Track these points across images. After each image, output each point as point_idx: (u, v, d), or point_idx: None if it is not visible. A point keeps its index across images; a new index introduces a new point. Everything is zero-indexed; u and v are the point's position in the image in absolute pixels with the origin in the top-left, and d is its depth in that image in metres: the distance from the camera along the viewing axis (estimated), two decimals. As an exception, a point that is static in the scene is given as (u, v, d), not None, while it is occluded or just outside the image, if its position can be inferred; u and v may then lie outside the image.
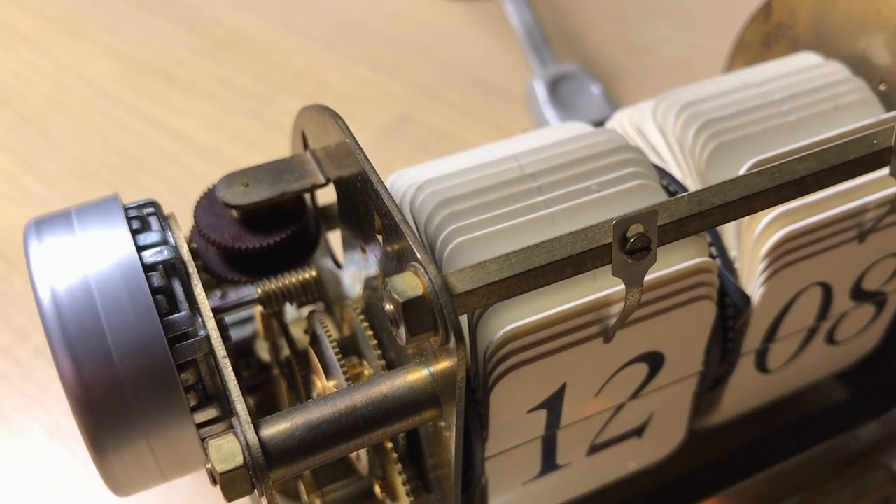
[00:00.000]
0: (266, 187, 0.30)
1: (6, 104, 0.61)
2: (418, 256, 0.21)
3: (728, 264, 0.30)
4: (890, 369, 0.39)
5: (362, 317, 0.28)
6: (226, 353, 0.24)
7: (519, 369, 0.26)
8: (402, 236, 0.22)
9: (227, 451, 0.22)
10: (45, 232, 0.25)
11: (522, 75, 0.60)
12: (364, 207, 0.26)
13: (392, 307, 0.21)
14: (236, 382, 0.24)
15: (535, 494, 0.32)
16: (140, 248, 0.25)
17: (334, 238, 0.33)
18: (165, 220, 0.27)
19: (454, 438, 0.24)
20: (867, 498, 0.37)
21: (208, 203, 0.31)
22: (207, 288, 0.29)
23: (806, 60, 0.34)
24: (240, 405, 0.23)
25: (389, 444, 0.29)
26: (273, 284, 0.30)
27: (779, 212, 0.28)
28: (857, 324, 0.35)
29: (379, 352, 0.28)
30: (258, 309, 0.31)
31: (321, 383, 0.29)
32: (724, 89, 0.32)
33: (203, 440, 0.25)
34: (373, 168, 0.24)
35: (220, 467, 0.22)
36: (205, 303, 0.25)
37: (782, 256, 0.29)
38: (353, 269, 0.29)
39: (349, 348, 0.30)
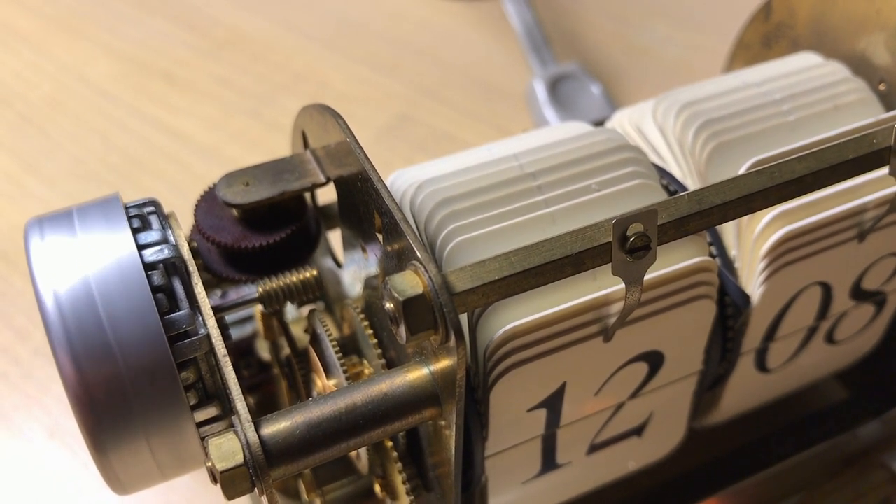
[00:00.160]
0: (266, 186, 0.30)
1: (6, 104, 0.61)
2: (418, 255, 0.22)
3: (728, 263, 0.30)
4: (890, 369, 0.39)
5: (362, 316, 0.28)
6: (226, 352, 0.24)
7: (519, 368, 0.26)
8: (403, 235, 0.22)
9: (228, 449, 0.22)
10: (45, 230, 0.25)
11: (522, 75, 0.60)
12: (364, 206, 0.26)
13: (392, 306, 0.21)
14: (236, 381, 0.24)
15: (535, 493, 0.32)
16: (140, 247, 0.25)
17: (334, 237, 0.33)
18: (166, 219, 0.27)
19: (454, 437, 0.24)
20: (867, 498, 0.37)
21: (208, 202, 0.31)
22: (208, 287, 0.29)
23: (806, 60, 0.34)
24: (240, 404, 0.23)
25: (389, 443, 0.29)
26: (273, 283, 0.30)
27: (778, 211, 0.29)
28: (857, 323, 0.35)
29: (379, 351, 0.28)
30: (258, 308, 0.31)
31: (321, 382, 0.29)
32: (724, 89, 0.32)
33: (203, 439, 0.25)
34: (373, 167, 0.24)
35: (221, 466, 0.22)
36: (205, 301, 0.25)
37: (782, 256, 0.29)
38: (354, 268, 0.29)
39: (349, 347, 0.30)
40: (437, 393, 0.24)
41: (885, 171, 0.26)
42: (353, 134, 0.26)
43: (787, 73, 0.33)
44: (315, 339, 0.30)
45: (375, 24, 0.67)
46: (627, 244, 0.23)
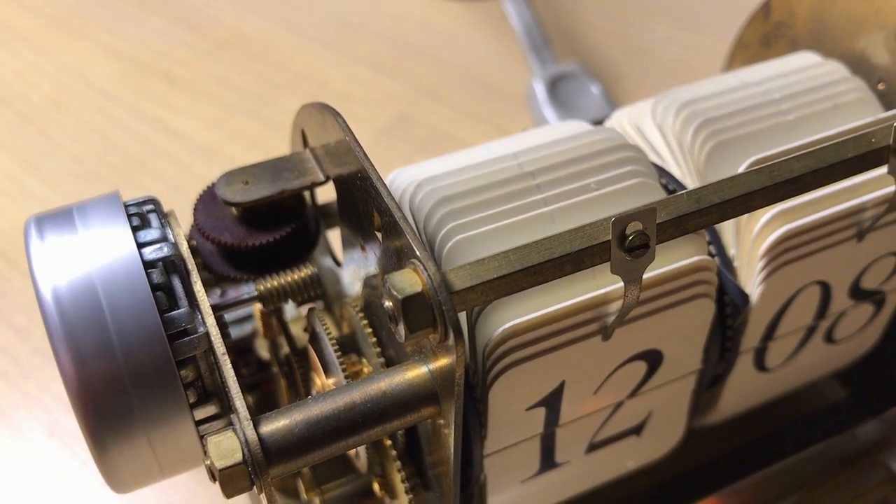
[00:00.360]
0: (266, 185, 0.30)
1: (6, 104, 0.61)
2: (417, 253, 0.22)
3: (727, 262, 0.30)
4: (889, 368, 0.39)
5: (361, 314, 0.28)
6: (225, 350, 0.25)
7: (518, 367, 0.26)
8: (402, 233, 0.22)
9: (227, 447, 0.22)
10: (45, 228, 0.25)
11: (522, 75, 0.60)
12: (363, 205, 0.26)
13: (391, 304, 0.21)
14: (235, 379, 0.24)
15: (534, 492, 0.32)
16: (140, 245, 0.25)
17: (334, 236, 0.33)
18: (165, 218, 0.27)
19: (453, 436, 0.24)
20: (866, 497, 0.37)
21: (208, 201, 0.31)
22: (207, 286, 0.29)
23: (805, 60, 0.34)
24: (239, 402, 0.23)
25: (388, 442, 0.29)
26: (272, 282, 0.30)
27: (777, 210, 0.29)
28: (856, 322, 0.35)
29: (378, 349, 0.28)
30: (257, 306, 0.31)
31: (320, 381, 0.29)
32: (723, 88, 0.32)
33: (202, 437, 0.25)
34: (372, 165, 0.24)
35: (220, 464, 0.22)
36: (204, 300, 0.25)
37: (781, 255, 0.29)
38: (353, 267, 0.29)
39: (348, 346, 0.30)
40: (435, 391, 0.24)
41: (883, 170, 0.26)
42: (352, 132, 0.26)
43: (787, 73, 0.33)
44: (314, 338, 0.30)
45: (375, 24, 0.67)
46: (626, 243, 0.23)
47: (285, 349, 0.33)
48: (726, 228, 0.30)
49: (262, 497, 0.23)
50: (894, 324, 0.37)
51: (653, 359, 0.29)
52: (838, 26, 0.34)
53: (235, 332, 0.36)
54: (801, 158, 0.25)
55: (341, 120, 0.26)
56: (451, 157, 0.30)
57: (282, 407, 0.23)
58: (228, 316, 0.36)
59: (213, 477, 0.22)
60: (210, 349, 0.25)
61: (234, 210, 0.30)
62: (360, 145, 0.25)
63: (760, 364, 0.33)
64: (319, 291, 0.31)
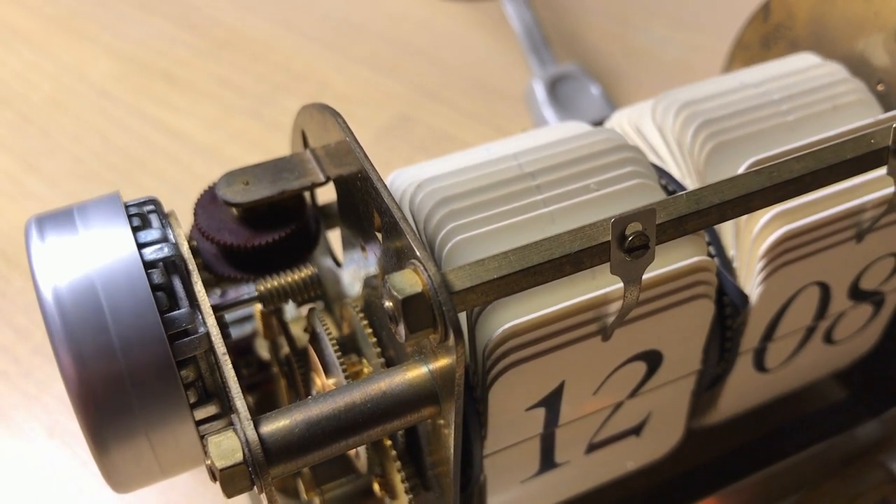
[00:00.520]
0: (266, 185, 0.30)
1: (7, 104, 0.61)
2: (417, 254, 0.22)
3: (726, 263, 0.30)
4: (888, 369, 0.39)
5: (362, 315, 0.29)
6: (226, 350, 0.25)
7: (517, 367, 0.26)
8: (402, 234, 0.22)
9: (227, 447, 0.22)
10: (46, 229, 0.25)
11: (522, 76, 0.60)
12: (364, 205, 0.26)
13: (391, 304, 0.21)
14: (236, 379, 0.24)
15: (534, 492, 0.32)
16: (140, 245, 0.25)
17: (334, 237, 0.33)
18: (165, 218, 0.27)
19: (453, 436, 0.24)
20: (865, 497, 0.37)
21: (208, 201, 0.31)
22: (207, 286, 0.29)
23: (804, 61, 0.34)
24: (239, 402, 0.23)
25: (388, 442, 0.29)
26: (273, 282, 0.30)
27: (777, 211, 0.29)
28: (855, 323, 0.35)
29: (378, 350, 0.28)
30: (258, 307, 0.31)
31: (320, 381, 0.30)
32: (723, 89, 0.32)
33: (203, 437, 0.25)
34: (372, 166, 0.24)
35: (220, 464, 0.22)
36: (205, 300, 0.25)
37: (780, 255, 0.29)
38: (353, 267, 0.29)
39: (349, 346, 0.30)
40: (435, 391, 0.24)
41: (883, 171, 0.26)
42: (352, 133, 0.26)
43: (786, 74, 0.33)
44: (314, 338, 0.30)
45: (375, 24, 0.67)
46: (626, 243, 0.23)
47: (285, 349, 0.33)
48: (726, 229, 0.30)
49: (263, 497, 0.23)
50: (894, 324, 0.37)
51: (652, 359, 0.29)
52: (838, 28, 0.34)
53: (236, 333, 0.36)
54: (800, 159, 0.25)
55: (342, 120, 0.26)
56: (451, 157, 0.30)
57: (282, 407, 0.23)
58: (229, 316, 0.36)
59: (213, 477, 0.22)
60: (210, 349, 0.25)
61: (234, 210, 0.30)
62: (360, 146, 0.25)
63: (760, 364, 0.33)
64: (319, 292, 0.31)
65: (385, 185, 0.24)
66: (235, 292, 0.30)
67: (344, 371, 0.28)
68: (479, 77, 0.62)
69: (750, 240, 0.29)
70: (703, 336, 0.29)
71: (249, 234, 0.30)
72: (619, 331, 0.27)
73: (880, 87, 0.33)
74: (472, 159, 0.29)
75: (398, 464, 0.28)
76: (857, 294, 0.33)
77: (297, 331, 0.33)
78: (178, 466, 0.26)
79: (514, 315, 0.25)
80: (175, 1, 0.69)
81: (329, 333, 0.29)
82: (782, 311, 0.31)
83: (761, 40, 0.38)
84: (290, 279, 0.30)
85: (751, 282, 0.30)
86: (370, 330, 0.28)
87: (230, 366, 0.24)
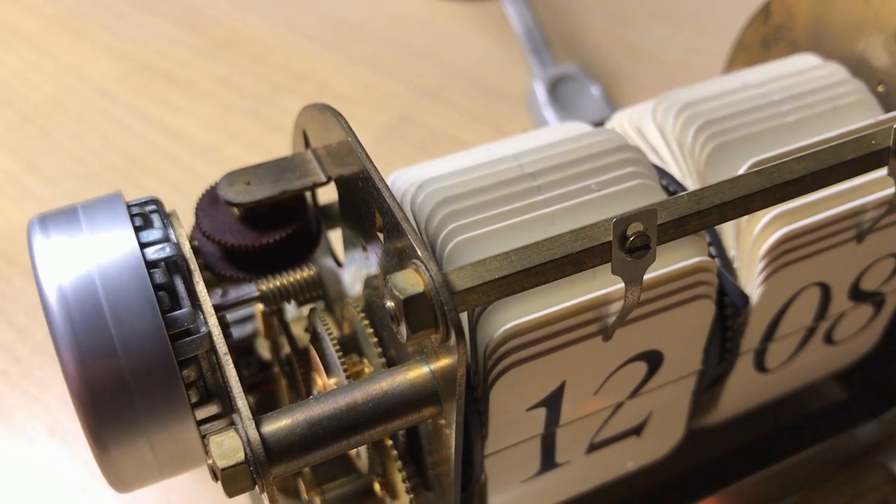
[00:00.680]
0: (267, 186, 0.30)
1: (7, 104, 0.61)
2: (419, 254, 0.22)
3: (727, 264, 0.30)
4: (888, 369, 0.39)
5: (363, 315, 0.29)
6: (227, 350, 0.25)
7: (518, 367, 0.26)
8: (403, 234, 0.22)
9: (229, 446, 0.22)
10: (48, 228, 0.25)
11: (522, 76, 0.60)
12: (365, 205, 0.26)
13: (393, 304, 0.21)
14: (238, 379, 0.24)
15: (534, 492, 0.32)
16: (142, 245, 0.25)
17: (335, 237, 0.33)
18: (167, 218, 0.27)
19: (454, 436, 0.24)
20: (865, 498, 0.37)
21: (210, 201, 0.31)
22: (208, 286, 0.29)
23: (805, 62, 0.34)
24: (241, 401, 0.23)
25: (389, 442, 0.29)
26: (274, 282, 0.30)
27: (777, 212, 0.29)
28: (856, 324, 0.35)
29: (379, 349, 0.28)
30: (259, 307, 0.32)
31: (322, 381, 0.30)
32: (724, 90, 0.32)
33: (204, 436, 0.25)
34: (374, 166, 0.24)
35: (222, 463, 0.22)
36: (206, 300, 0.25)
37: (781, 256, 0.29)
38: (354, 267, 0.29)
39: (350, 346, 0.30)
40: (437, 391, 0.24)
41: (883, 171, 0.26)
42: (354, 133, 0.26)
43: (787, 75, 0.33)
44: (315, 338, 0.30)
45: (376, 24, 0.67)
46: (627, 243, 0.23)
47: (286, 349, 0.33)
48: (727, 230, 0.30)
49: (264, 496, 0.23)
50: (894, 325, 0.37)
51: (653, 359, 0.29)
52: (838, 29, 0.35)
53: (237, 333, 0.36)
54: (801, 160, 0.25)
55: (343, 121, 0.26)
56: (452, 157, 0.30)
57: (283, 407, 0.23)
58: (230, 316, 0.36)
59: (215, 476, 0.22)
60: (212, 349, 0.25)
61: (235, 210, 0.30)
62: (361, 146, 0.25)
63: (760, 365, 0.33)
64: (321, 292, 0.31)
65: (386, 185, 0.24)
66: (237, 292, 0.30)
67: (345, 371, 0.28)
68: (480, 77, 0.62)
69: (751, 240, 0.29)
70: (703, 336, 0.29)
71: (251, 234, 0.30)
72: (620, 331, 0.27)
73: (881, 88, 0.33)
74: (473, 160, 0.29)
75: (399, 463, 0.28)
76: (857, 295, 0.33)
77: (299, 331, 0.33)
78: (179, 466, 0.26)
79: (515, 315, 0.25)
80: (175, 1, 0.69)
81: (330, 333, 0.29)
82: (783, 312, 0.31)
83: (762, 41, 0.38)
84: (291, 279, 0.30)
85: (751, 282, 0.30)
86: (371, 330, 0.28)
87: (231, 365, 0.24)
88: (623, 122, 0.34)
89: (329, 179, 0.29)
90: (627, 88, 0.60)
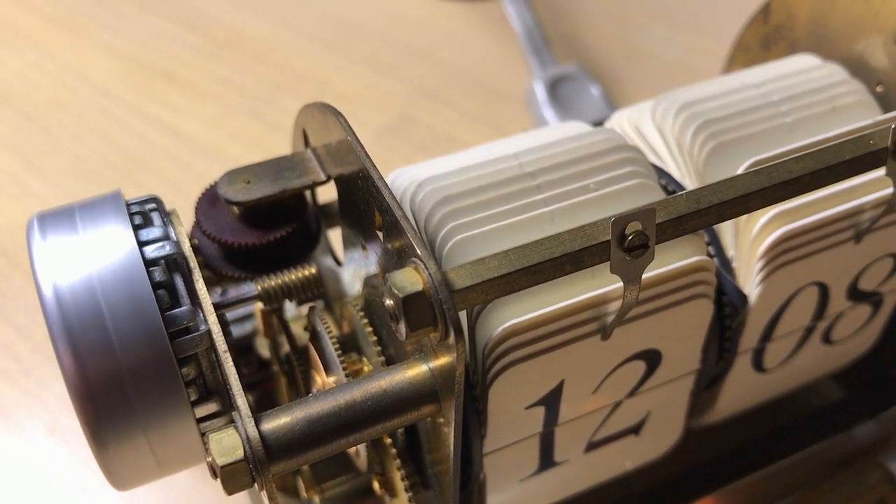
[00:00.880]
0: (267, 184, 0.30)
1: (8, 103, 0.61)
2: (418, 252, 0.22)
3: (726, 263, 0.30)
4: (886, 369, 0.39)
5: (362, 313, 0.29)
6: (227, 348, 0.25)
7: (517, 366, 0.26)
8: (403, 232, 0.22)
9: (228, 444, 0.22)
10: (47, 227, 0.26)
11: (522, 76, 0.60)
12: (364, 204, 0.26)
13: (392, 302, 0.21)
14: (237, 377, 0.24)
15: (533, 491, 0.32)
16: (142, 244, 0.25)
17: (335, 236, 0.33)
18: (167, 216, 0.27)
19: (452, 434, 0.24)
20: (863, 498, 0.37)
21: (209, 199, 0.31)
22: (208, 284, 0.29)
23: (804, 62, 0.34)
24: (240, 399, 0.23)
25: (388, 440, 0.29)
26: (273, 281, 0.30)
27: (776, 211, 0.29)
28: (854, 324, 0.35)
29: (378, 348, 0.28)
30: (258, 305, 0.32)
31: (321, 379, 0.30)
32: (723, 90, 0.32)
33: (203, 434, 0.26)
34: (374, 165, 0.24)
35: (221, 460, 0.22)
36: (206, 298, 0.25)
37: (779, 256, 0.29)
38: (353, 266, 0.29)
39: (349, 345, 0.30)
40: (436, 390, 0.24)
41: (882, 172, 0.26)
42: (353, 132, 0.26)
43: (786, 75, 0.33)
44: (315, 337, 0.30)
45: (376, 24, 0.67)
46: (626, 242, 0.23)
47: (286, 348, 0.33)
48: (725, 229, 0.31)
49: (263, 494, 0.23)
50: (892, 325, 0.37)
51: (651, 358, 0.29)
52: (837, 29, 0.35)
53: (236, 331, 0.36)
54: (799, 160, 0.25)
55: (343, 120, 0.26)
56: (451, 157, 0.30)
57: (283, 405, 0.24)
58: (229, 314, 0.36)
59: (214, 474, 0.22)
60: (211, 347, 0.25)
61: (235, 209, 0.30)
62: (361, 145, 0.25)
63: (758, 364, 0.33)
64: (320, 290, 0.31)
65: (386, 184, 0.24)
66: (236, 291, 0.30)
67: (344, 369, 0.28)
68: (480, 77, 0.62)
69: (749, 240, 0.29)
70: (702, 335, 0.30)
71: (250, 233, 0.30)
72: (619, 330, 0.27)
73: (879, 89, 0.33)
74: (473, 159, 0.30)
75: (398, 462, 0.28)
76: (855, 294, 0.33)
77: (298, 329, 0.33)
78: (179, 464, 0.26)
79: (514, 314, 0.25)
80: (175, 1, 0.69)
81: (329, 332, 0.29)
82: (781, 312, 0.31)
83: (761, 41, 0.38)
84: (290, 278, 0.30)
85: (750, 282, 0.30)
86: (370, 328, 0.28)
87: (231, 363, 0.24)
88: (622, 122, 0.34)
89: (329, 178, 0.30)
90: (627, 88, 0.61)
